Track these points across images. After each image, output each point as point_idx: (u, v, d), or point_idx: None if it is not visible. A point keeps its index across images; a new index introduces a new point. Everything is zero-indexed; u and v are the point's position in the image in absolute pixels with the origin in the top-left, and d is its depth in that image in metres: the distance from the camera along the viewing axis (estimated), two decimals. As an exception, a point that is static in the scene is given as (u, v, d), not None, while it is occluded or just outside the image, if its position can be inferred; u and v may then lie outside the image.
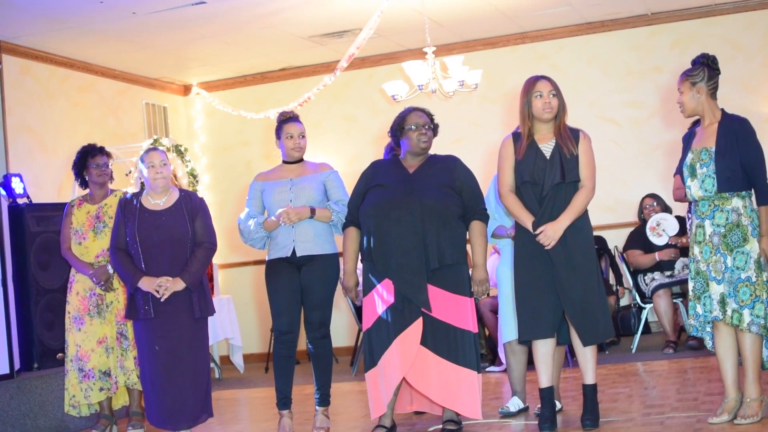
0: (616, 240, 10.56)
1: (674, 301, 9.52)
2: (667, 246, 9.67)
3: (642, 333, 9.91)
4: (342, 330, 11.36)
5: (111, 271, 7.24)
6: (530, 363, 6.50)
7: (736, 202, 5.78)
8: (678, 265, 9.62)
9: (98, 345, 7.30)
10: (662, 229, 9.75)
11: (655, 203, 10.04)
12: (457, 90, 9.64)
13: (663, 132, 11.16)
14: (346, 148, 12.29)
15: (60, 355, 7.99)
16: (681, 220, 9.63)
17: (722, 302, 5.75)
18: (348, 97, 12.45)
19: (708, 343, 6.00)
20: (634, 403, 6.78)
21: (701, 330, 5.94)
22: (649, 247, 9.78)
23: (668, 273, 9.60)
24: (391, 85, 9.67)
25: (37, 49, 10.30)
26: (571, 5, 10.75)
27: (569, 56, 11.72)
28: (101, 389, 7.29)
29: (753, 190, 5.81)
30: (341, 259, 6.61)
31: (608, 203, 11.09)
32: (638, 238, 9.94)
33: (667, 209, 10.00)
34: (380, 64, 12.24)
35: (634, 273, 9.93)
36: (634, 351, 9.53)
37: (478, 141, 11.45)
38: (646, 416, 6.26)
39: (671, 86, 6.13)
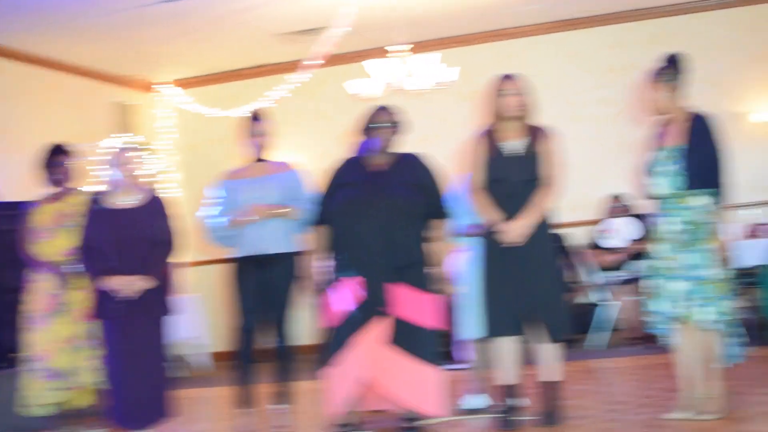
0: (587, 237, 10.56)
1: (636, 298, 9.57)
2: (616, 249, 9.76)
3: (603, 330, 9.93)
4: (306, 328, 11.34)
5: (73, 270, 7.19)
6: (495, 360, 6.49)
7: (701, 200, 5.81)
8: (638, 264, 9.67)
9: (60, 344, 7.27)
10: (613, 233, 9.83)
11: (620, 203, 10.10)
12: (431, 87, 9.65)
13: (636, 129, 11.15)
14: (317, 145, 12.26)
15: (17, 354, 7.90)
16: (647, 219, 9.69)
17: (683, 299, 5.79)
18: (320, 94, 12.41)
19: (668, 341, 6.02)
20: (596, 400, 6.83)
21: (661, 327, 5.95)
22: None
23: (630, 270, 9.64)
24: (357, 83, 9.65)
25: (3, 45, 10.24)
26: (545, 2, 10.77)
27: (543, 53, 11.75)
28: (62, 389, 7.27)
29: (717, 188, 5.82)
30: (307, 257, 6.60)
31: (580, 201, 11.09)
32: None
33: (631, 210, 10.04)
34: (353, 62, 12.18)
35: (597, 271, 9.95)
36: (595, 348, 9.57)
37: (450, 139, 11.39)
38: (607, 413, 6.31)
39: (642, 84, 6.17)
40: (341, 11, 9.54)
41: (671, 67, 6.02)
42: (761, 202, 10.85)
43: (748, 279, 9.13)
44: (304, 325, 7.23)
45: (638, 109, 10.58)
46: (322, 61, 10.63)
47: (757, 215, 10.53)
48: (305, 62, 10.30)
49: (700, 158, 5.81)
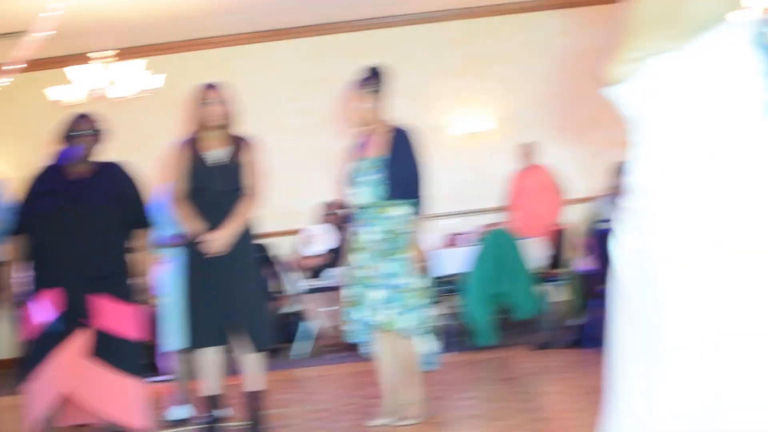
0: (291, 246, 10.65)
1: (338, 307, 9.70)
2: (318, 257, 9.91)
3: (307, 339, 10.01)
4: (5, 341, 10.94)
5: None
6: (198, 371, 6.44)
7: (399, 210, 5.95)
8: (339, 273, 9.83)
9: None
10: (313, 240, 9.97)
11: (329, 211, 10.22)
12: (136, 95, 9.49)
13: (336, 140, 11.35)
14: (16, 153, 11.83)
15: None
16: (349, 228, 9.87)
17: (382, 308, 5.89)
18: (20, 100, 11.96)
19: (368, 348, 6.12)
20: (300, 409, 6.89)
21: (361, 335, 6.05)
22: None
23: (332, 279, 9.77)
24: (59, 89, 9.40)
25: None
26: (249, 13, 10.80)
27: (248, 63, 11.78)
28: None
29: (416, 199, 5.98)
30: (5, 269, 6.36)
31: (284, 210, 11.16)
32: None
33: (337, 218, 10.19)
34: (56, 67, 11.80)
35: (300, 280, 10.03)
36: (299, 357, 9.62)
37: (154, 147, 11.25)
38: (311, 421, 6.39)
39: (344, 96, 6.29)
40: (44, 15, 9.25)
41: (374, 79, 6.14)
42: (459, 212, 11.25)
43: (447, 287, 9.41)
44: (3, 338, 6.99)
45: (341, 120, 10.78)
46: (23, 66, 10.28)
47: (456, 225, 10.89)
48: (5, 67, 9.92)
49: (401, 169, 5.95)
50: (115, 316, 5.97)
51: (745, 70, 2.62)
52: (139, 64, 9.48)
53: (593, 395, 5.92)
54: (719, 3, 2.66)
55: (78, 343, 5.88)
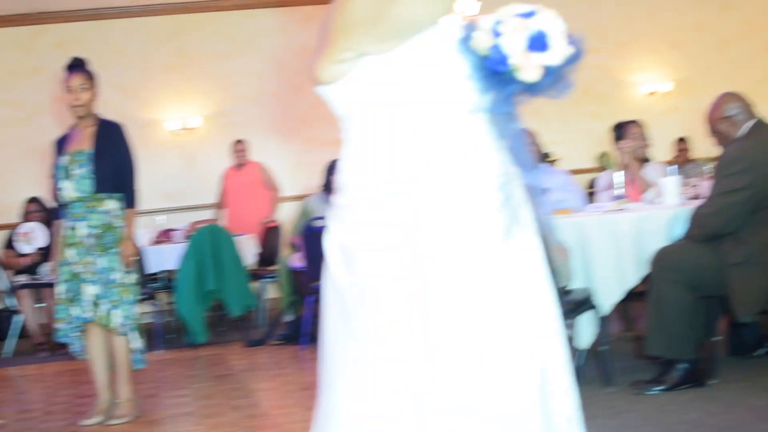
0: (0, 242, 10.32)
1: (46, 304, 9.43)
2: (29, 254, 9.66)
3: (12, 337, 9.67)
4: None
5: None
6: None
7: (110, 204, 5.87)
8: (49, 269, 9.59)
9: None
10: (26, 237, 9.70)
11: (35, 207, 9.97)
12: None
13: (44, 133, 11.04)
14: None
15: None
16: (58, 223, 9.65)
17: (95, 303, 5.80)
18: None
19: (78, 347, 6.00)
20: (6, 409, 6.67)
21: (71, 332, 5.93)
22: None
23: (41, 276, 9.52)
24: None
25: None
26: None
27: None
28: None
29: (126, 193, 5.92)
30: None
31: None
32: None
33: (45, 213, 9.94)
34: None
35: (9, 276, 9.73)
36: (8, 356, 9.31)
37: None
38: (18, 422, 6.21)
39: (54, 87, 6.11)
40: None
41: (83, 72, 6.02)
42: (172, 208, 11.16)
43: (158, 283, 9.31)
44: None
45: (52, 112, 10.54)
46: None
47: (168, 221, 10.79)
48: None
49: (109, 163, 5.86)
50: None
51: (452, 73, 2.69)
52: None
53: (306, 391, 6.01)
54: (428, 7, 2.70)
55: None
